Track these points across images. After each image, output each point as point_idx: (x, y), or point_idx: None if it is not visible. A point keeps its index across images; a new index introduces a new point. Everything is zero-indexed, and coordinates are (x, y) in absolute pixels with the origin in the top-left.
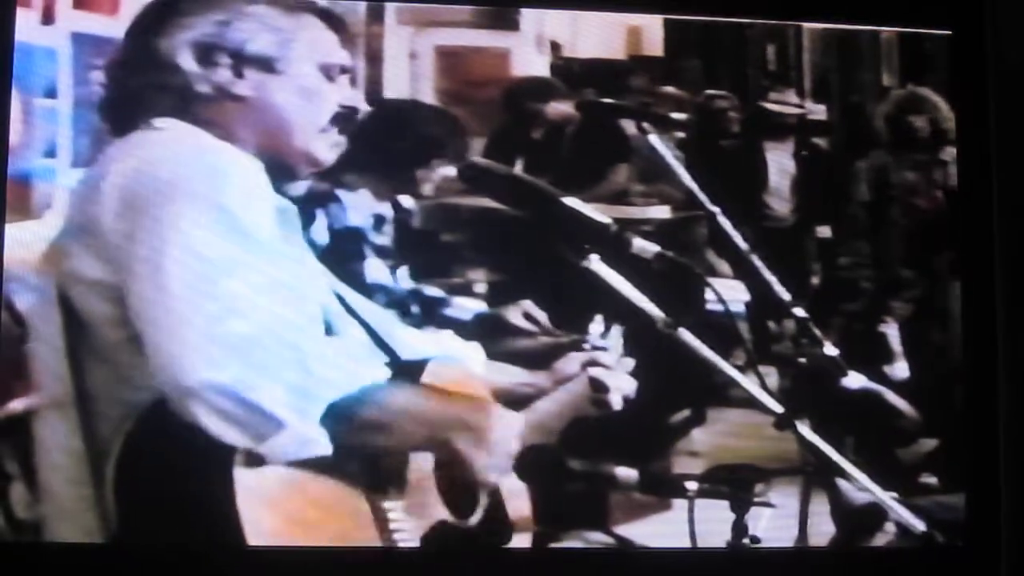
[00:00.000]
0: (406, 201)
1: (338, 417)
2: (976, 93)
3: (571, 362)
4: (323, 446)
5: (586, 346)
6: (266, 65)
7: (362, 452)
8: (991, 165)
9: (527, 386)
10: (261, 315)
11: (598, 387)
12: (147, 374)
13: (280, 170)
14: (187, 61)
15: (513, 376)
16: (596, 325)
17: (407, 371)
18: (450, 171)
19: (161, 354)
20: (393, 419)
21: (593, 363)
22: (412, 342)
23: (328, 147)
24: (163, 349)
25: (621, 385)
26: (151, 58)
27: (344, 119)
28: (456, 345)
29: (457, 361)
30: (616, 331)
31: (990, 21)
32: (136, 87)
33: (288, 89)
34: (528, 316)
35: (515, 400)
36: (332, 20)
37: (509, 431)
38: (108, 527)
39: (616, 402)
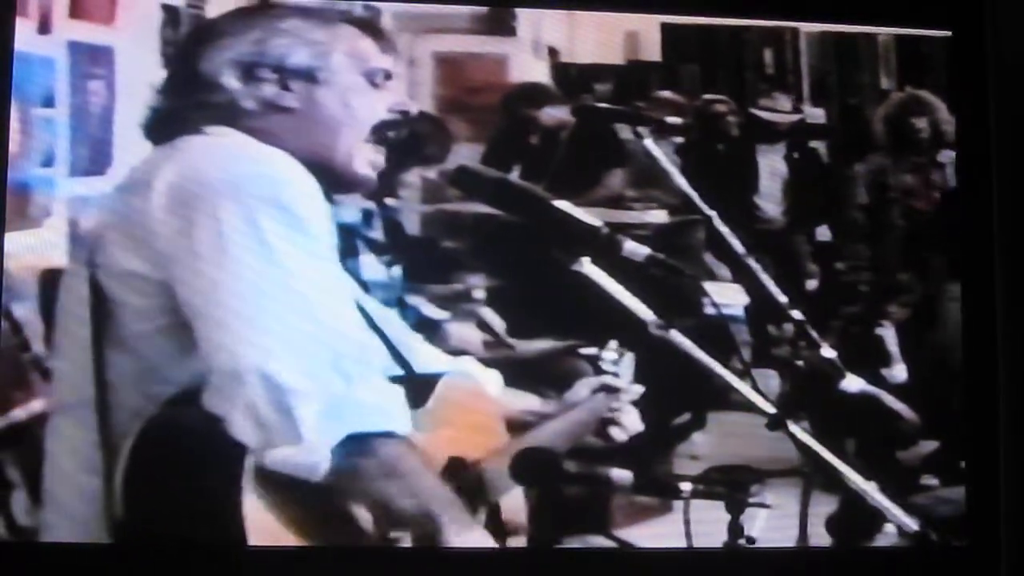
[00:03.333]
0: (390, 201)
1: (350, 450)
2: (976, 94)
3: (581, 388)
4: (322, 472)
5: (601, 363)
6: (310, 76)
7: (356, 487)
8: (991, 165)
9: (536, 414)
10: (323, 319)
11: (605, 420)
12: (173, 369)
13: (330, 178)
14: (230, 80)
15: (524, 401)
16: (609, 352)
17: (420, 385)
18: (430, 173)
19: (217, 337)
20: (394, 475)
21: (603, 388)
22: (430, 358)
23: (370, 156)
24: (220, 333)
25: (628, 420)
26: (193, 80)
27: (395, 124)
28: (474, 369)
29: (469, 379)
30: (629, 358)
31: (990, 22)
32: (181, 108)
33: (336, 97)
34: (483, 325)
35: (523, 424)
36: (368, 28)
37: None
38: (114, 523)
39: (620, 436)
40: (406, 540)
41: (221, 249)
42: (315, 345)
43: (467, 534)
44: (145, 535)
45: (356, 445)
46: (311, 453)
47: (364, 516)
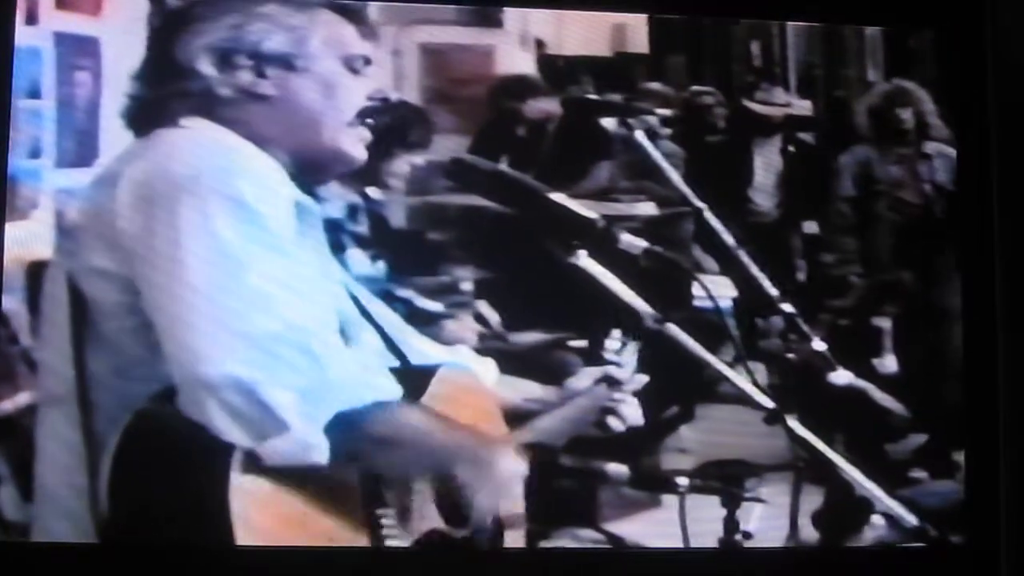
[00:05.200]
0: (374, 192)
1: (343, 428)
2: (975, 91)
3: (583, 378)
4: (321, 454)
5: (604, 351)
6: (286, 63)
7: (361, 466)
8: (991, 163)
9: (535, 402)
10: (281, 312)
11: (605, 410)
12: (151, 366)
13: (309, 167)
14: (206, 67)
15: (523, 391)
16: (612, 341)
17: (416, 377)
18: (417, 160)
19: (179, 345)
20: (398, 441)
21: (606, 379)
22: (424, 349)
23: (356, 141)
24: (181, 340)
25: (628, 411)
26: (170, 67)
27: (374, 111)
28: (469, 358)
29: (466, 371)
30: (632, 347)
31: (989, 18)
32: (159, 96)
33: (312, 85)
34: (479, 318)
35: (521, 415)
36: (348, 13)
37: (514, 471)
38: (99, 523)
39: (617, 426)
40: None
41: (176, 251)
42: (277, 340)
43: (487, 477)
44: (131, 534)
45: (348, 421)
46: (303, 438)
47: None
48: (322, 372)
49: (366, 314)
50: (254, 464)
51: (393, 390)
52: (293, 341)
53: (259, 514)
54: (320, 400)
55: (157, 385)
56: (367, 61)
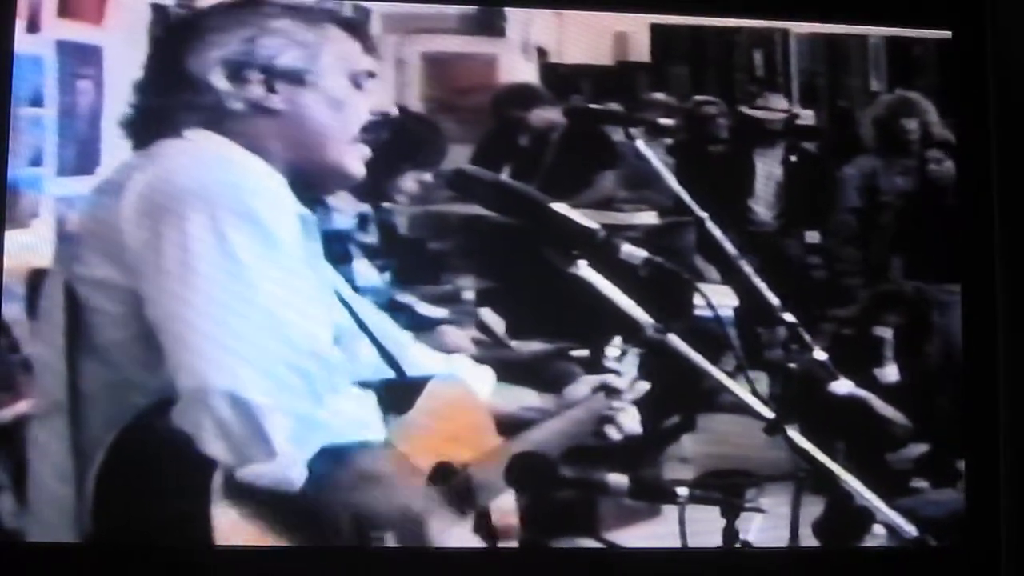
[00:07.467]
0: (384, 204)
1: (325, 462)
2: (976, 95)
3: (582, 386)
4: (297, 484)
5: (604, 359)
6: (297, 78)
7: (333, 500)
8: (991, 168)
9: (532, 411)
10: (287, 333)
11: (603, 419)
12: (145, 378)
13: (310, 181)
14: (218, 79)
15: (520, 400)
16: (612, 348)
17: (406, 390)
18: (426, 176)
19: (184, 357)
20: (374, 485)
21: (604, 387)
22: (421, 360)
23: (360, 158)
24: (187, 353)
25: (626, 420)
26: (180, 78)
27: (376, 127)
28: (465, 367)
29: (459, 381)
30: (632, 355)
31: (990, 23)
32: (165, 106)
33: (321, 101)
34: (482, 326)
35: (516, 425)
36: (353, 28)
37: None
38: (84, 530)
39: (615, 435)
40: (390, 541)
41: (186, 263)
42: (282, 361)
43: (453, 536)
44: (114, 542)
45: (332, 456)
46: (286, 467)
47: (345, 525)
48: (318, 403)
49: (361, 325)
50: (235, 482)
51: (379, 431)
52: (296, 366)
53: (241, 523)
54: (310, 430)
55: (150, 397)
56: (370, 75)
